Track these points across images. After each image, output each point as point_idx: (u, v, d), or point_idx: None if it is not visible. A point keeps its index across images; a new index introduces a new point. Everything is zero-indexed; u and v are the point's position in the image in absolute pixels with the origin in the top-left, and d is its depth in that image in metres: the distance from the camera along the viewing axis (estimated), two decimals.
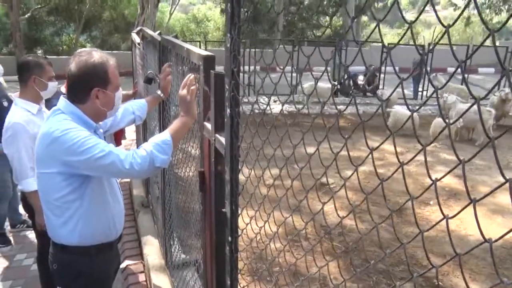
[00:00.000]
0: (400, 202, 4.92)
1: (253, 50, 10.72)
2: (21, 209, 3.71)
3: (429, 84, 12.11)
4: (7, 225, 3.95)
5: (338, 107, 0.83)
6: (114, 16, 19.43)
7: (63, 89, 3.08)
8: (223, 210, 1.47)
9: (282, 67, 1.00)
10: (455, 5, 20.78)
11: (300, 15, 19.62)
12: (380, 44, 12.87)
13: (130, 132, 6.53)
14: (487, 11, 19.42)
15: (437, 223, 0.75)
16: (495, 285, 0.66)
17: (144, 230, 3.57)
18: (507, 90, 8.46)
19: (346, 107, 0.84)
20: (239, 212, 1.45)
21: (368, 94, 11.97)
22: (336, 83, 11.25)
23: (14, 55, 14.74)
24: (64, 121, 1.60)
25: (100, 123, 1.88)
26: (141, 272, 3.20)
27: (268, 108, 1.08)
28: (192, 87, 1.72)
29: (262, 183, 1.33)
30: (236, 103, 1.31)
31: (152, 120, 3.48)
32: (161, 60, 2.47)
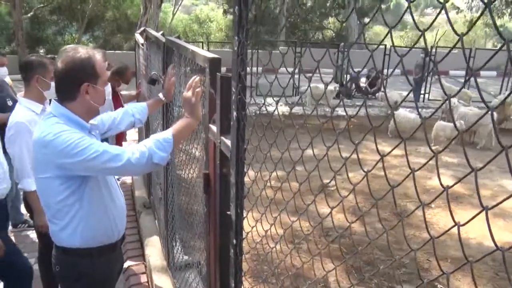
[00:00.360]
0: (401, 205, 4.93)
1: (256, 51, 10.70)
2: (22, 209, 3.70)
3: (430, 86, 12.16)
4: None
5: (349, 113, 0.83)
6: (117, 16, 19.43)
7: None
8: (228, 212, 1.47)
9: (288, 70, 0.99)
10: (458, 8, 20.71)
11: (304, 16, 19.63)
12: (382, 46, 12.86)
13: (132, 133, 6.53)
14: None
15: (448, 230, 0.75)
16: None
17: (146, 231, 3.57)
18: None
19: (357, 112, 0.84)
20: (244, 214, 1.45)
21: (370, 96, 11.95)
22: (338, 85, 11.25)
23: (16, 54, 14.76)
24: (56, 124, 1.58)
25: (96, 123, 1.87)
26: (143, 273, 3.20)
27: (273, 109, 1.08)
28: (197, 89, 1.72)
29: (267, 186, 1.32)
30: (243, 106, 1.30)
31: (154, 120, 3.48)
32: (165, 61, 2.46)
